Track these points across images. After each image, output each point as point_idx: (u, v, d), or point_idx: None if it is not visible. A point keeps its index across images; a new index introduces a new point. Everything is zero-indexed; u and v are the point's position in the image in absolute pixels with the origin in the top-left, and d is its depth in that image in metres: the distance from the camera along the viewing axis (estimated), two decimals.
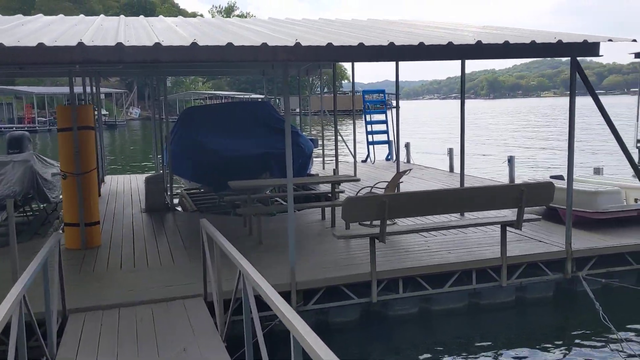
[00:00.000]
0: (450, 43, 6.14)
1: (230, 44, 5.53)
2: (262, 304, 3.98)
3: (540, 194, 6.88)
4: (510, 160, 12.49)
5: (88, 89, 14.48)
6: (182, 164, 11.37)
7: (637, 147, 16.22)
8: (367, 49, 5.99)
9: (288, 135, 6.23)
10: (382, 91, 18.29)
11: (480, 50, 6.34)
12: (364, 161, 17.78)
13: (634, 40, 6.49)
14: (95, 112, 14.22)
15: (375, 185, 9.64)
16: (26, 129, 47.72)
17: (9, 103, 54.92)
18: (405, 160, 17.46)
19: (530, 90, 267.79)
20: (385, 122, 17.97)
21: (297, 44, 5.68)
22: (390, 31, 7.82)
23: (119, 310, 5.85)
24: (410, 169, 9.85)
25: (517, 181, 12.44)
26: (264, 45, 5.62)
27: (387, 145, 18.13)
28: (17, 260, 5.85)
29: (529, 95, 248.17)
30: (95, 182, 8.38)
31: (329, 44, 5.80)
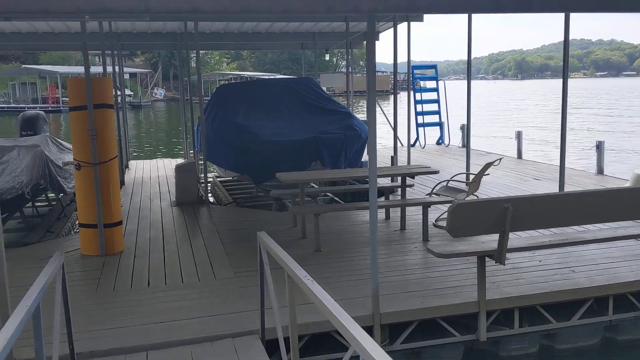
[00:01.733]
0: None
1: None
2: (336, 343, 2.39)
3: None
4: (599, 146, 10.64)
5: (110, 69, 12.92)
6: (216, 150, 9.79)
7: None
8: None
9: (372, 111, 4.54)
10: (434, 67, 16.44)
11: None
12: (412, 145, 15.99)
13: None
14: (119, 92, 12.69)
15: (453, 178, 7.91)
16: (50, 108, 46.80)
17: (33, 83, 54.11)
18: (461, 145, 15.65)
19: (559, 71, 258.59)
20: (437, 101, 16.15)
21: None
22: None
23: (146, 355, 4.29)
24: (500, 159, 8.08)
25: (608, 173, 10.62)
26: None
27: (438, 127, 16.32)
28: (6, 284, 4.31)
29: (559, 77, 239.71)
30: (117, 173, 6.82)
31: None
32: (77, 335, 4.28)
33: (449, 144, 15.91)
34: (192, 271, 6.02)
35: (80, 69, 51.23)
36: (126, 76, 59.60)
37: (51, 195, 10.38)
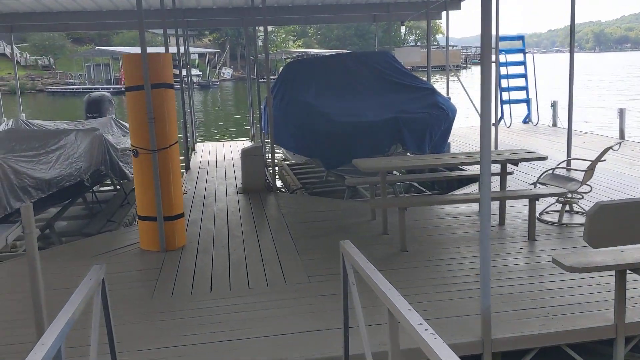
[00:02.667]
0: None
1: None
2: None
3: None
4: None
5: (174, 49, 12.36)
6: (285, 132, 9.02)
7: None
8: None
9: (487, 84, 3.56)
10: (521, 38, 14.93)
11: None
12: (495, 124, 14.64)
13: None
14: (183, 71, 12.15)
15: (559, 166, 6.75)
16: (123, 89, 47.81)
17: (107, 64, 55.53)
18: (551, 124, 14.19)
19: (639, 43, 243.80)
20: (524, 75, 14.68)
21: None
22: None
23: None
24: (619, 142, 6.84)
25: None
26: None
27: (525, 104, 14.87)
28: (42, 292, 3.68)
29: (639, 49, 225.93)
30: (177, 160, 6.14)
31: None
32: (124, 355, 3.61)
33: (537, 123, 14.46)
34: (260, 273, 5.26)
35: (152, 49, 52.10)
36: (194, 56, 60.25)
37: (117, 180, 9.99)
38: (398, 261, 5.38)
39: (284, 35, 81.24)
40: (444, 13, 14.00)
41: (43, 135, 7.15)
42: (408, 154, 8.01)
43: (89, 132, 7.52)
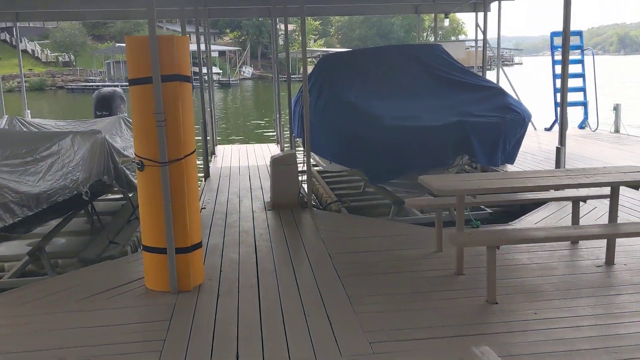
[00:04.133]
0: None
1: None
2: None
3: None
4: None
5: (192, 46, 11.04)
6: (319, 136, 7.67)
7: None
8: None
9: None
10: (579, 33, 13.38)
11: None
12: (549, 129, 13.14)
13: None
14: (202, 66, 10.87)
15: None
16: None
17: (127, 61, 54.74)
18: (613, 129, 12.62)
19: None
20: (582, 75, 13.13)
21: None
22: None
23: None
24: None
25: None
26: None
27: (582, 107, 13.31)
28: None
29: None
30: (195, 174, 4.78)
31: None
32: None
33: (596, 129, 12.90)
34: (302, 335, 3.87)
35: None
36: (215, 54, 59.29)
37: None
38: (488, 319, 3.96)
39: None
40: (493, 5, 12.56)
41: (33, 139, 5.86)
42: (468, 166, 6.57)
43: (89, 135, 6.20)
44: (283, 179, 7.23)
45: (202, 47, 11.27)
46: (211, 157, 11.61)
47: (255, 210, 7.22)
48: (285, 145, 12.64)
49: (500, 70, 12.79)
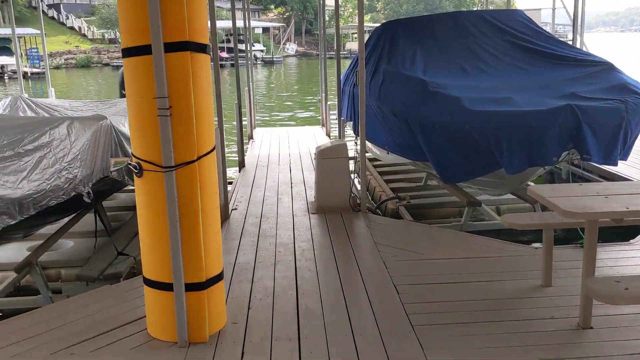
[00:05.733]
0: None
1: None
2: None
3: None
4: None
5: (240, 23, 9.68)
6: (376, 121, 6.27)
7: None
8: None
9: None
10: None
11: None
12: None
13: None
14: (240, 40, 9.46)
15: None
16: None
17: None
18: None
19: None
20: None
21: None
22: None
23: None
24: None
25: None
26: None
27: None
28: None
29: None
30: (215, 180, 3.45)
31: None
32: None
33: None
34: None
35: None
36: (258, 30, 58.02)
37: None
38: None
39: (350, 10, 78.17)
40: None
41: (17, 127, 4.64)
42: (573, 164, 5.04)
43: (90, 121, 4.94)
44: (331, 175, 5.86)
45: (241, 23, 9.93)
46: (249, 141, 10.35)
47: (296, 214, 5.89)
48: (331, 127, 11.26)
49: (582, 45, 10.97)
